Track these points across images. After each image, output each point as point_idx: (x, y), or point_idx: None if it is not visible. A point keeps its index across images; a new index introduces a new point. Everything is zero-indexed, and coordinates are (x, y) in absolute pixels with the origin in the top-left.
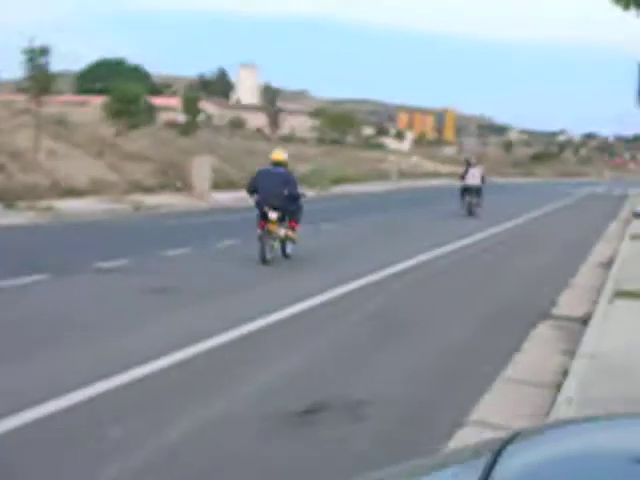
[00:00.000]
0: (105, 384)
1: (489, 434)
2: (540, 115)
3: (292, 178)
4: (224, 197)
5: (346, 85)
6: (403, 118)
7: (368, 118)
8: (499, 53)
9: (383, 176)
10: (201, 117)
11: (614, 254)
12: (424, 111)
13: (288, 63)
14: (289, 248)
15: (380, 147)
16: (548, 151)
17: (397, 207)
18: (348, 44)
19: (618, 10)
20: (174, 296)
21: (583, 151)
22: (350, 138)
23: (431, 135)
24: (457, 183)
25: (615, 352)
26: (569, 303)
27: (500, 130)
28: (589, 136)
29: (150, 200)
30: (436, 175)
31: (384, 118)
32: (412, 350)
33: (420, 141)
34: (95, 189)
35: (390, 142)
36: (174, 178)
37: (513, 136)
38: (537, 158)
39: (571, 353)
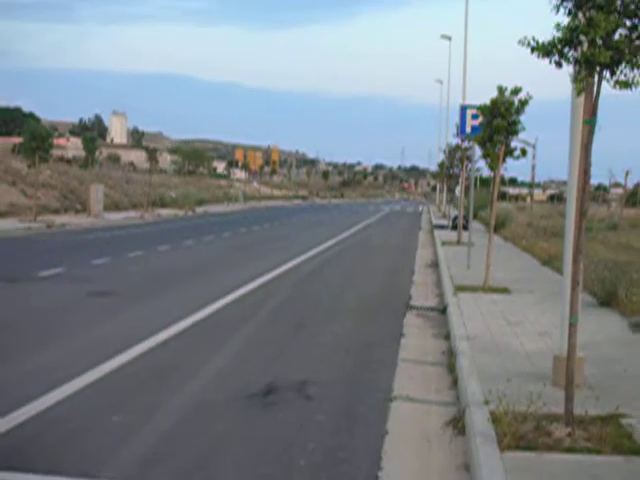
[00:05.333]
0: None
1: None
2: (341, 150)
3: None
4: (115, 217)
5: (193, 127)
6: (239, 154)
7: (212, 154)
8: (308, 101)
9: (233, 198)
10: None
11: (434, 257)
12: (255, 148)
13: (148, 110)
14: None
15: (226, 177)
16: (353, 178)
17: (262, 220)
18: (195, 95)
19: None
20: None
21: (380, 178)
22: (202, 169)
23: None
24: (289, 203)
25: (482, 334)
26: (421, 296)
27: (312, 162)
28: (379, 167)
29: (58, 220)
30: (272, 197)
31: (223, 154)
32: None
33: (258, 172)
34: (12, 211)
35: (237, 173)
36: (74, 202)
37: (322, 167)
38: (346, 184)
39: (445, 337)
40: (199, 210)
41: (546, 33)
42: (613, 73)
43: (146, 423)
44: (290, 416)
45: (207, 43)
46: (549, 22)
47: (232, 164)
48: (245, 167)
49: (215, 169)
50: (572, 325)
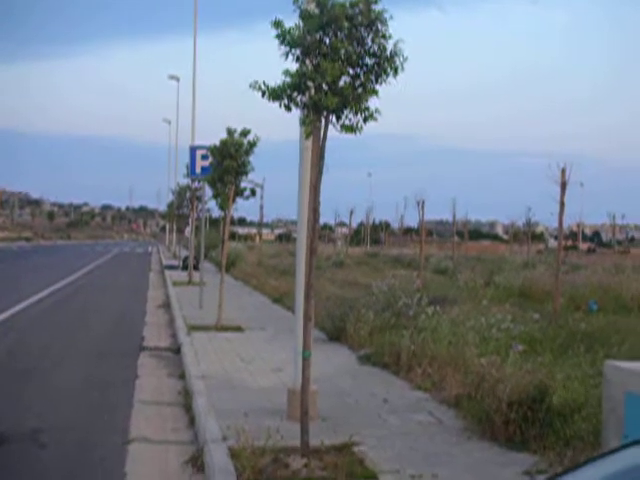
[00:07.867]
0: None
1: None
2: (67, 190)
3: None
4: None
5: None
6: None
7: None
8: (30, 140)
9: None
10: None
11: (166, 298)
12: None
13: None
14: None
15: None
16: (80, 219)
17: None
18: None
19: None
20: None
21: (108, 219)
22: None
23: None
24: (13, 245)
25: (217, 372)
26: (154, 337)
27: (36, 203)
28: (107, 207)
29: None
30: None
31: None
32: None
33: None
34: None
35: None
36: None
37: (47, 207)
38: (73, 225)
39: (180, 376)
40: None
41: (277, 78)
42: (339, 118)
43: None
44: (24, 466)
45: None
46: (280, 67)
47: None
48: None
49: None
50: (305, 359)
